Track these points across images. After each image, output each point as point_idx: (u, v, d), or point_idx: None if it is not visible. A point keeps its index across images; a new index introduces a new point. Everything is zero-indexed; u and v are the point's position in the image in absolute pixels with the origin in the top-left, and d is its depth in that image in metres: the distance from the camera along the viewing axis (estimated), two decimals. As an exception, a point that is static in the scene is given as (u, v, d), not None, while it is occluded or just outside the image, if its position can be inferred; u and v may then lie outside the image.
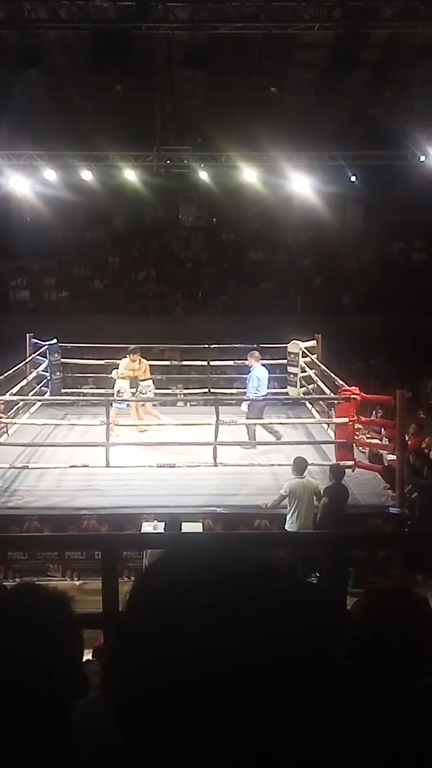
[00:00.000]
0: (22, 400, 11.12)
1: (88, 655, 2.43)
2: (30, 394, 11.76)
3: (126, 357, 11.17)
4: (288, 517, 7.77)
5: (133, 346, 11.38)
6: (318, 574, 7.19)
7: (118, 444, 9.65)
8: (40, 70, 11.61)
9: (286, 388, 12.88)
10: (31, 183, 16.84)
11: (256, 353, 10.88)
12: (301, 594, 0.68)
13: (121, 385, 10.97)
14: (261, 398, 10.41)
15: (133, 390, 11.14)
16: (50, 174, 16.19)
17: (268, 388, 10.70)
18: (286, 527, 7.73)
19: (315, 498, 7.82)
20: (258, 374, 10.46)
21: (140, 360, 11.22)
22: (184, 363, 14.46)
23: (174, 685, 0.62)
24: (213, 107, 17.29)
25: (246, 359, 11.07)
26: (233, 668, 0.62)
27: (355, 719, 0.98)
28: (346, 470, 8.84)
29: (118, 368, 11.19)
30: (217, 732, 0.62)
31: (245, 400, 10.57)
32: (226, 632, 0.63)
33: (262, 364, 10.76)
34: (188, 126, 17.35)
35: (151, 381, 11.50)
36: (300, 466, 8.01)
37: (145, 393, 11.26)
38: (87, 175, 16.38)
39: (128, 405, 11.02)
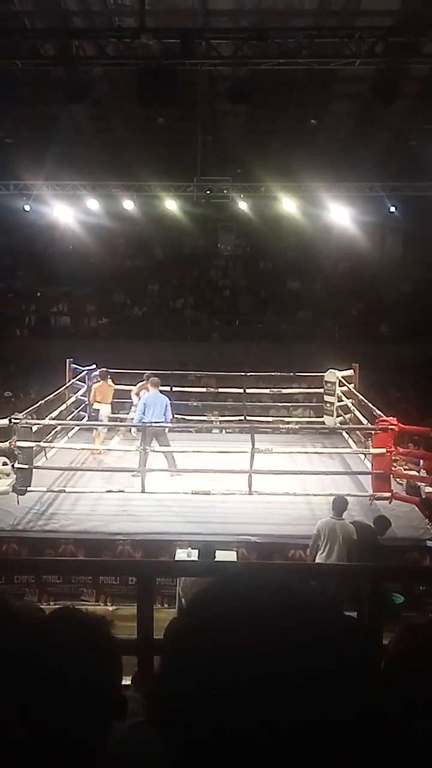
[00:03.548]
0: (60, 424, 11.26)
1: (127, 681, 2.45)
2: (68, 418, 11.91)
3: (99, 382, 11.90)
4: (318, 555, 7.48)
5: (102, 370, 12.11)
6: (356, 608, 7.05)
7: (154, 470, 9.69)
8: (85, 102, 11.95)
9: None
10: (74, 212, 17.27)
11: (155, 379, 10.86)
12: (343, 627, 0.70)
13: (103, 410, 11.62)
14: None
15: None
16: (93, 203, 16.58)
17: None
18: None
19: (348, 542, 7.40)
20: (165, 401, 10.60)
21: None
22: (220, 390, 14.52)
23: (219, 713, 0.65)
24: (253, 138, 17.54)
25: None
26: (278, 698, 0.64)
27: (391, 753, 0.98)
28: (377, 502, 8.80)
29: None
30: (259, 759, 0.64)
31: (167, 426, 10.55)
32: (270, 663, 0.65)
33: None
34: (228, 157, 17.62)
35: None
36: (339, 506, 7.63)
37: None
38: (129, 205, 16.72)
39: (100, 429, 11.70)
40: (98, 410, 11.96)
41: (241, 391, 13.54)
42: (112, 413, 12.28)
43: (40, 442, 10.14)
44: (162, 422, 10.24)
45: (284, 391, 14.13)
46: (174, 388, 13.26)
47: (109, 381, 12.07)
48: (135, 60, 10.25)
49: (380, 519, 8.03)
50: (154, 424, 10.11)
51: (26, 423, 9.37)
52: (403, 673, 1.29)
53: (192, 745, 0.66)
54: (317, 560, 7.47)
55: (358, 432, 11.65)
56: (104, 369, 12.15)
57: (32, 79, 13.45)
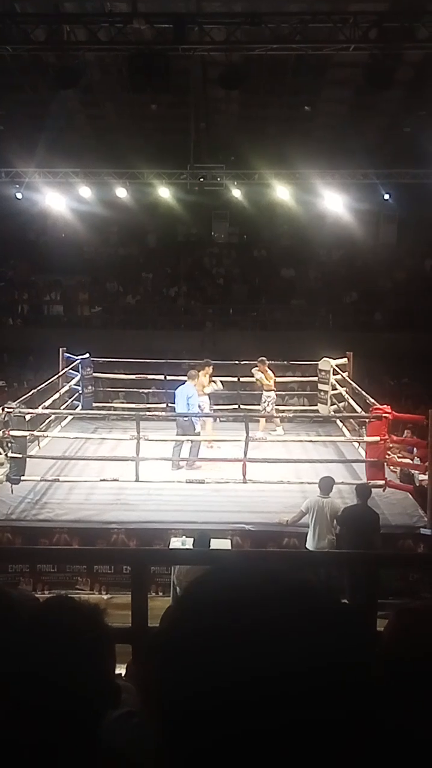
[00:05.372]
0: (54, 413, 11.24)
1: (121, 669, 2.44)
2: (62, 407, 11.89)
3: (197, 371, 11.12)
4: (308, 535, 7.69)
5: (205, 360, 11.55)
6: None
7: (148, 459, 9.69)
8: (77, 89, 11.84)
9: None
10: (66, 199, 17.16)
11: (190, 371, 10.82)
12: (341, 615, 0.69)
13: (202, 401, 10.90)
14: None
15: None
16: (85, 191, 16.47)
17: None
18: (306, 545, 7.65)
19: (335, 519, 7.64)
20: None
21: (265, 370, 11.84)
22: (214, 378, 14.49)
23: (215, 706, 0.63)
24: (246, 125, 17.44)
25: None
26: (275, 686, 0.63)
27: (387, 742, 0.97)
28: (376, 490, 8.75)
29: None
30: (257, 749, 0.63)
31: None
32: (267, 652, 0.64)
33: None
34: (222, 144, 17.53)
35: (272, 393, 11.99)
36: (325, 485, 7.86)
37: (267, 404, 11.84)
38: (121, 192, 16.63)
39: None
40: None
41: (235, 379, 13.52)
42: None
43: (33, 431, 10.12)
44: (185, 412, 10.33)
45: (278, 379, 14.11)
46: (168, 377, 13.23)
47: (209, 369, 11.34)
48: (127, 45, 10.16)
49: (361, 487, 8.14)
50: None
51: (19, 412, 9.35)
52: (398, 659, 1.28)
53: (188, 735, 0.65)
54: (309, 540, 7.65)
55: (352, 420, 11.66)
56: (205, 359, 11.52)
57: (23, 64, 13.33)
